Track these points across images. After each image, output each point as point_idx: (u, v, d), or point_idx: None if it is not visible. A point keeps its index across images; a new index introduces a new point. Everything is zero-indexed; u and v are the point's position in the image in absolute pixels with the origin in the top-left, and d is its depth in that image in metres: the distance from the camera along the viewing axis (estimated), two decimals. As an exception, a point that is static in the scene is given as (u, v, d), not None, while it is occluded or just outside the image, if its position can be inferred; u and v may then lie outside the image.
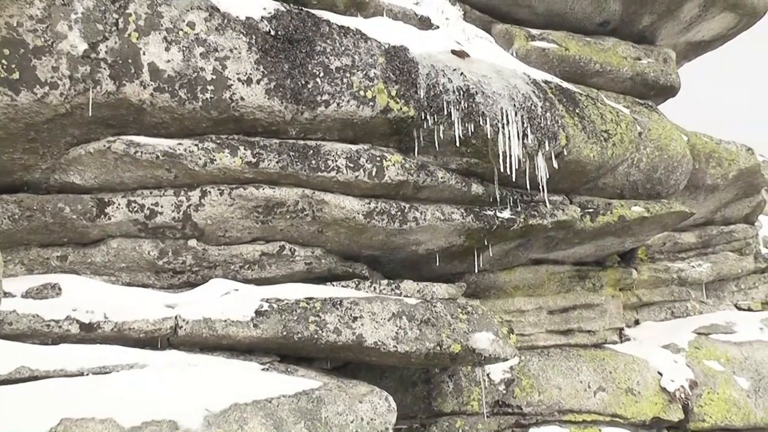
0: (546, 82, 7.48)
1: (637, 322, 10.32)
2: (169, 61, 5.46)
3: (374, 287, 6.58)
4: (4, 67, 5.05)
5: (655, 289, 10.49)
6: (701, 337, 9.95)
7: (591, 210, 8.03)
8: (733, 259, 11.26)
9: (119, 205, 5.74)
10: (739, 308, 11.27)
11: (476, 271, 7.66)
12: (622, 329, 9.59)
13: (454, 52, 6.72)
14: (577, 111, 7.47)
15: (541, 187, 7.04)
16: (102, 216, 5.73)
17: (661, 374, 9.09)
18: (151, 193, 5.81)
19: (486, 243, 7.15)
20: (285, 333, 5.72)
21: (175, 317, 5.64)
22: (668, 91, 10.04)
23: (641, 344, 9.60)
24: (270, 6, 5.97)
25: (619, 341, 9.47)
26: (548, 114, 7.00)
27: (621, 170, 8.24)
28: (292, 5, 6.14)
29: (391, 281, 6.71)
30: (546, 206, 7.37)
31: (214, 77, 5.56)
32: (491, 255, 7.47)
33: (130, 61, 5.36)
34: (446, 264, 7.32)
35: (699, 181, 9.89)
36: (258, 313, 5.74)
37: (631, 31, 9.93)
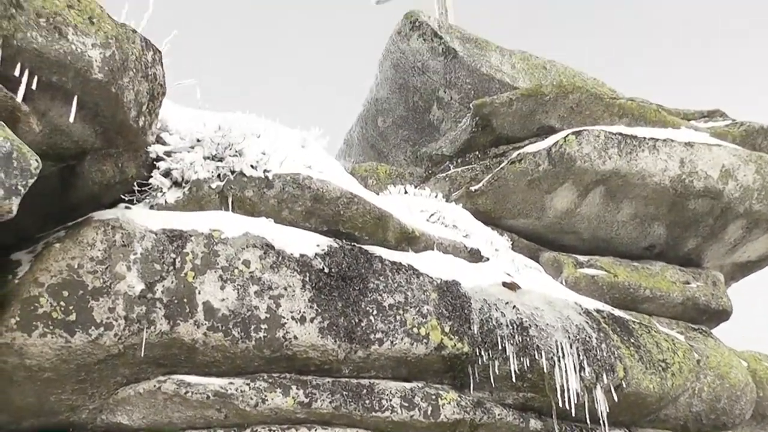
0: (598, 311, 7.38)
1: None
2: (223, 299, 5.46)
3: None
4: (62, 308, 5.05)
5: None
6: None
7: (655, 445, 7.65)
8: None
9: (167, 446, 5.54)
10: None
11: None
12: None
13: (505, 284, 6.70)
14: (632, 340, 7.30)
15: (601, 421, 6.73)
16: (148, 457, 5.52)
17: None
18: (199, 433, 5.62)
19: (547, 481, 6.76)
20: None
21: None
22: (721, 315, 9.86)
23: None
24: (323, 243, 6.04)
25: None
26: (603, 345, 6.84)
27: (682, 401, 7.93)
28: (344, 241, 6.22)
29: None
30: (608, 442, 7.01)
31: (268, 316, 5.53)
32: (552, 494, 7.05)
33: (185, 300, 5.37)
34: (505, 504, 6.89)
35: (764, 409, 9.46)
36: None
37: (677, 254, 9.93)
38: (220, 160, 6.31)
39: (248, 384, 5.54)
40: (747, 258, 10.64)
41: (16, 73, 4.64)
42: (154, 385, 5.42)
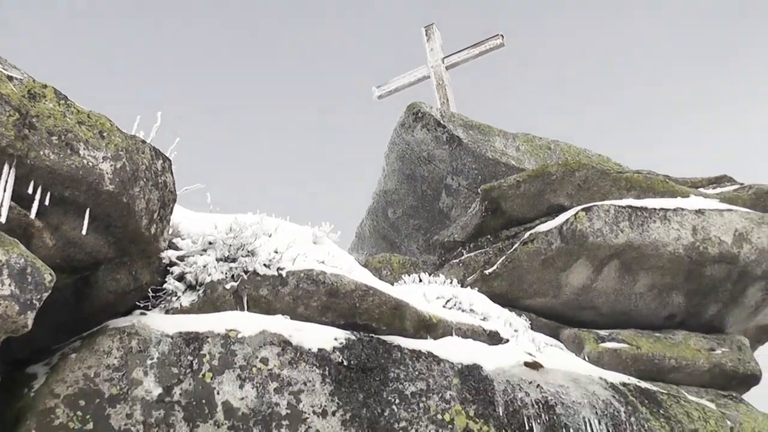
0: (624, 384, 7.29)
1: None
2: (243, 398, 5.43)
3: None
4: (79, 418, 5.03)
5: None
6: None
7: None
8: None
9: None
10: None
11: None
12: None
13: (527, 364, 6.64)
14: (661, 412, 7.17)
15: (637, 498, 6.56)
16: None
17: None
18: None
19: None
20: None
21: None
22: (750, 379, 9.63)
23: None
24: (341, 336, 6.04)
25: None
26: (632, 419, 6.73)
27: (721, 469, 7.71)
28: (362, 333, 6.22)
29: None
30: None
31: (289, 412, 5.49)
32: None
33: (204, 401, 5.35)
34: None
35: (806, 473, 9.17)
36: None
37: (698, 322, 9.79)
38: (233, 260, 6.38)
39: (272, 484, 5.46)
40: (771, 320, 10.50)
41: (30, 190, 4.76)
42: (178, 494, 5.35)
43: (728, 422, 7.96)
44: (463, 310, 7.59)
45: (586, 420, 6.43)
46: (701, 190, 10.90)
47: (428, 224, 12.26)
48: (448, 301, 7.71)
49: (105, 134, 5.17)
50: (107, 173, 5.04)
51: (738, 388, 9.54)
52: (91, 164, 4.97)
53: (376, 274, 8.55)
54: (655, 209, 9.16)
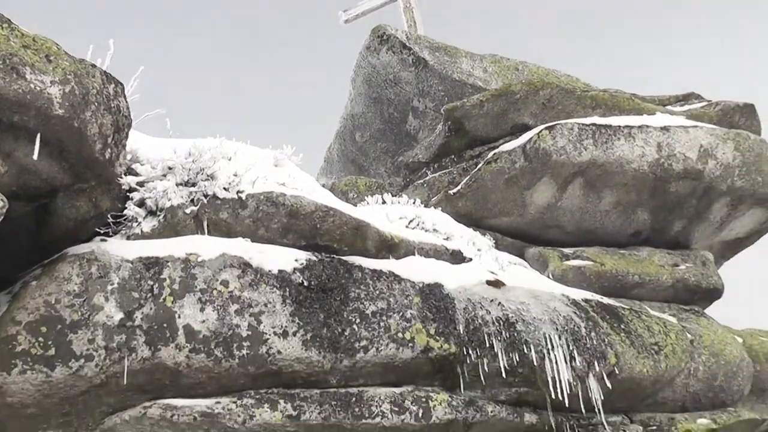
0: (586, 300, 7.38)
1: None
2: (204, 321, 5.48)
3: None
4: (41, 344, 5.07)
5: None
6: None
7: (654, 428, 7.59)
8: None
9: (156, 473, 5.52)
10: None
11: None
12: None
13: (488, 282, 6.70)
14: (622, 327, 7.30)
15: (597, 409, 6.71)
16: (138, 486, 5.49)
17: None
18: (189, 456, 5.59)
19: (547, 477, 6.73)
20: None
21: None
22: (712, 293, 9.82)
23: None
24: (302, 257, 6.06)
25: None
26: (593, 334, 6.84)
27: (679, 382, 7.88)
28: (323, 254, 6.23)
29: None
30: (606, 429, 6.99)
31: (250, 333, 5.54)
32: (555, 489, 7.00)
33: (165, 325, 5.39)
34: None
35: (763, 383, 9.41)
36: None
37: (664, 239, 9.91)
38: (193, 185, 6.33)
39: (235, 402, 5.54)
40: (735, 235, 10.62)
41: (-23, 116, 4.68)
42: (140, 412, 5.42)
43: (688, 335, 8.14)
44: (426, 230, 7.62)
45: (547, 336, 6.53)
46: (669, 107, 10.92)
47: (396, 147, 12.24)
48: (411, 221, 7.74)
49: (52, 58, 5.05)
50: (56, 97, 4.94)
51: (701, 302, 9.73)
52: (38, 89, 4.86)
53: (342, 197, 8.55)
54: (619, 127, 9.16)
